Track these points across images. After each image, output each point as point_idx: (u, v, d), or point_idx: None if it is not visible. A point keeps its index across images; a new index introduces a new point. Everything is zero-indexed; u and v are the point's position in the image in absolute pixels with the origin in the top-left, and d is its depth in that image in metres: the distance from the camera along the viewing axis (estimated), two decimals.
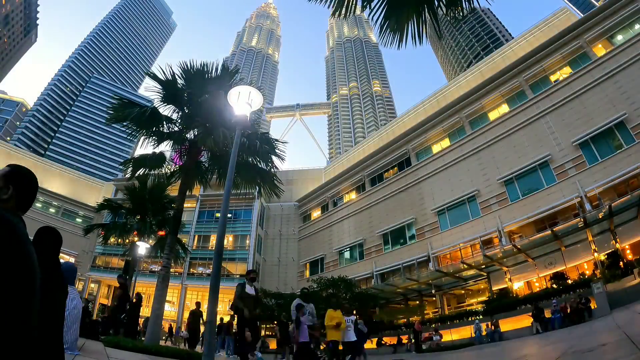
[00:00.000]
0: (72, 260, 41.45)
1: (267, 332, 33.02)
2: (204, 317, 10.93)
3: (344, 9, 3.91)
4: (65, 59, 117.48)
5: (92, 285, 40.54)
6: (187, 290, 37.50)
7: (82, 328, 5.03)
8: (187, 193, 11.28)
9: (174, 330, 26.60)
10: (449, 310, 24.32)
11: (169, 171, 11.94)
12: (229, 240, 39.13)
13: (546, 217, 20.75)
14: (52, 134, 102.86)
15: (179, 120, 11.21)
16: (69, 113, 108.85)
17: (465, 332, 18.12)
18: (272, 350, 19.78)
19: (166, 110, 11.02)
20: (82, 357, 4.32)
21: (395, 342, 19.75)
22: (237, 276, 37.02)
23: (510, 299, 18.63)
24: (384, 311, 27.46)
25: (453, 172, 27.15)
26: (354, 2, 3.90)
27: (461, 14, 3.91)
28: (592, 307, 12.88)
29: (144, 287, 35.58)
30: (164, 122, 10.94)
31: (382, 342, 20.87)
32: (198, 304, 13.07)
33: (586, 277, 16.84)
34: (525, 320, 14.96)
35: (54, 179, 44.76)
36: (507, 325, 15.46)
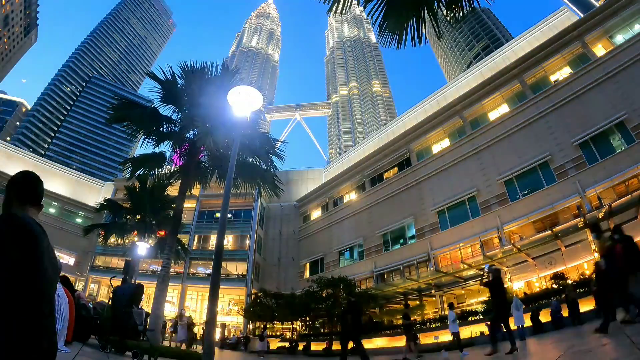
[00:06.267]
0: (72, 260, 41.53)
1: (267, 332, 32.95)
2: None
3: (340, 5, 3.92)
4: (65, 59, 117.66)
5: (92, 285, 40.53)
6: (187, 290, 37.50)
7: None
8: (187, 193, 11.30)
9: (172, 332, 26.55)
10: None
11: (168, 171, 11.96)
12: (229, 240, 39.12)
13: (546, 217, 20.75)
14: (52, 134, 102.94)
15: (179, 121, 11.23)
16: (69, 113, 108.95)
17: (465, 332, 18.09)
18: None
19: (166, 110, 11.08)
20: (81, 357, 4.32)
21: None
22: (237, 276, 37.04)
23: (511, 299, 18.58)
24: (383, 311, 27.44)
25: (453, 172, 27.13)
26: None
27: (461, 14, 3.90)
28: (592, 308, 12.80)
29: (144, 287, 35.56)
30: (164, 122, 10.97)
31: None
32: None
33: (586, 277, 16.80)
34: (525, 320, 14.93)
35: (54, 179, 44.77)
36: None
